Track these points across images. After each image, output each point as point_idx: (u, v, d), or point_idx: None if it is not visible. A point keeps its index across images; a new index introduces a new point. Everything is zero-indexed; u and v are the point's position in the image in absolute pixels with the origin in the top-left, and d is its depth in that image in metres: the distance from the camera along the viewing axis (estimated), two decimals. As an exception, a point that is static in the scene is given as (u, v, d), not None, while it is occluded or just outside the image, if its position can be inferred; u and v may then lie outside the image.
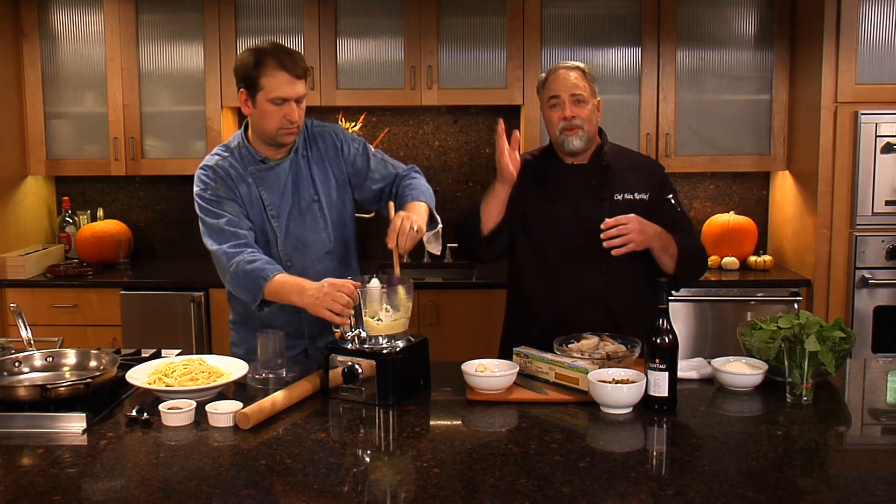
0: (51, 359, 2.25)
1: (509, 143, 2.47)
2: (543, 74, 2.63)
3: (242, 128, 2.52)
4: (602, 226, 2.39)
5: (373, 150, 2.60)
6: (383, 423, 2.01)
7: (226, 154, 2.48)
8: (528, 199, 2.61)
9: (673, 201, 2.63)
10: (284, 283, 2.27)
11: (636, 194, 2.59)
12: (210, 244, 2.42)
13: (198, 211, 2.45)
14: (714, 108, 4.10)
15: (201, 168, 2.48)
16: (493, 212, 2.54)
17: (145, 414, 1.96)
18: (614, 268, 2.52)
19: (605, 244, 2.39)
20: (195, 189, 2.46)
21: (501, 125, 2.46)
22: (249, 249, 2.37)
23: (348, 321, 2.14)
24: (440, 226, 2.45)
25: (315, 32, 4.07)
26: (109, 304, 3.95)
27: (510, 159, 2.46)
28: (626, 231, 2.39)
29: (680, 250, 2.53)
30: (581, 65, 2.59)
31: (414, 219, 2.25)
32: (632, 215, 2.42)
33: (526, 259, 2.62)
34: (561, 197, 2.58)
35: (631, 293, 2.59)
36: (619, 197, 2.57)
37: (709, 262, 4.09)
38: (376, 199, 2.60)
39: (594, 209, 2.54)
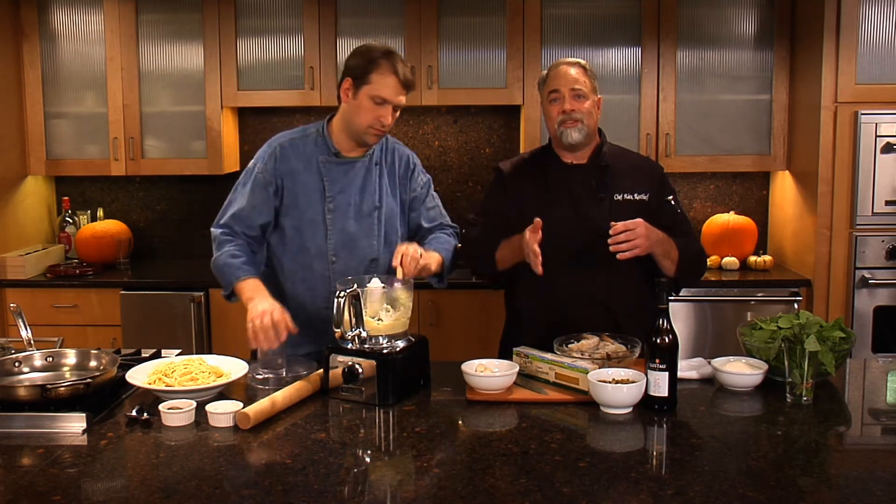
0: (51, 359, 2.25)
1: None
2: (545, 71, 2.64)
3: (326, 119, 2.58)
4: (611, 230, 2.38)
5: (433, 191, 2.70)
6: (383, 423, 2.01)
7: (300, 136, 2.56)
8: (527, 198, 2.61)
9: (673, 202, 2.63)
10: (245, 289, 2.39)
11: (636, 195, 2.59)
12: (218, 215, 2.54)
13: (240, 176, 2.56)
14: (714, 108, 4.10)
15: (269, 143, 2.56)
16: (506, 263, 2.56)
17: (145, 414, 1.96)
18: (614, 268, 2.52)
19: (612, 248, 2.39)
20: (252, 160, 2.56)
21: (538, 223, 2.39)
22: (238, 242, 2.47)
23: (263, 347, 2.24)
24: (445, 283, 2.60)
25: (315, 32, 4.07)
26: (109, 304, 3.95)
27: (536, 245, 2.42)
28: (634, 236, 2.39)
29: (680, 254, 2.52)
30: (582, 61, 2.59)
31: (421, 251, 2.34)
32: (639, 220, 2.41)
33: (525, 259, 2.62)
34: (560, 197, 2.58)
35: (631, 293, 2.59)
36: (619, 197, 2.57)
37: (708, 262, 4.12)
38: (411, 238, 2.65)
39: (594, 209, 2.54)
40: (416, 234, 2.65)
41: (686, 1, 4.04)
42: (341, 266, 2.50)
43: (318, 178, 2.50)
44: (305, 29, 4.08)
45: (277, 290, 2.53)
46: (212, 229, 2.53)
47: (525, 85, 4.05)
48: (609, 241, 2.38)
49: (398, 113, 2.48)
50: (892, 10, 3.72)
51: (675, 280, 2.54)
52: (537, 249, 2.34)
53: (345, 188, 2.52)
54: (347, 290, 2.11)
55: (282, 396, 2.03)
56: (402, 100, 2.45)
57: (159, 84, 4.18)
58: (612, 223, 2.38)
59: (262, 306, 2.26)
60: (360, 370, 2.10)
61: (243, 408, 1.93)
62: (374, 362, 2.09)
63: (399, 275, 2.25)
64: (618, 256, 2.40)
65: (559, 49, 4.05)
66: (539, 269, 2.35)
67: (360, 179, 2.53)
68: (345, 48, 4.09)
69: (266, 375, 2.25)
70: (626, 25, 4.06)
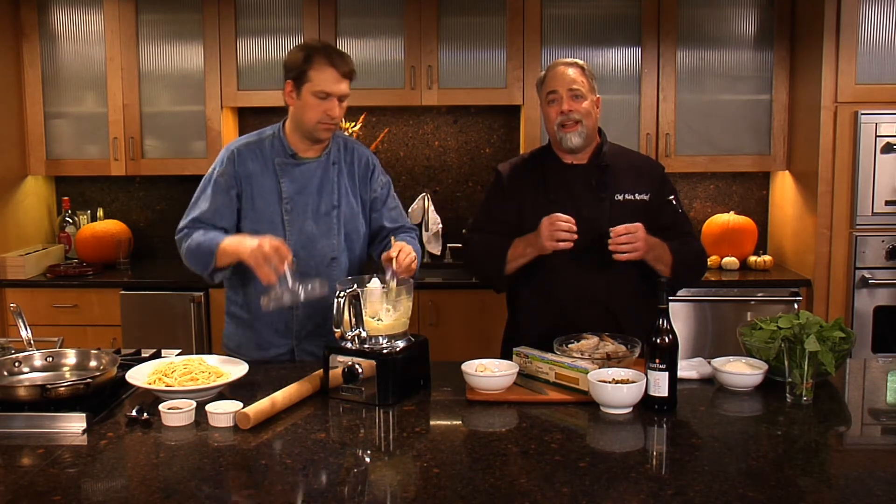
0: (51, 359, 2.25)
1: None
2: (543, 72, 2.63)
3: (281, 122, 2.59)
4: (612, 232, 2.40)
5: (394, 192, 2.72)
6: (383, 423, 2.01)
7: (255, 140, 2.58)
8: (527, 199, 2.61)
9: (674, 202, 2.63)
10: (232, 240, 2.40)
11: (636, 195, 2.58)
12: (183, 217, 2.57)
13: (202, 181, 2.58)
14: (714, 108, 4.10)
15: (226, 148, 2.59)
16: (518, 262, 2.57)
17: (145, 414, 1.96)
18: (614, 268, 2.51)
19: (611, 247, 2.40)
20: (212, 164, 2.59)
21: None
22: (201, 230, 2.50)
23: (275, 283, 2.26)
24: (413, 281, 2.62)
25: (315, 32, 4.06)
26: (109, 304, 3.95)
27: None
28: (635, 239, 2.40)
29: (674, 257, 2.52)
30: (580, 61, 2.59)
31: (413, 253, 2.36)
32: (639, 224, 2.42)
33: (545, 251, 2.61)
34: (560, 197, 2.57)
35: (630, 293, 2.59)
36: (620, 197, 2.57)
37: (708, 262, 4.12)
38: (373, 238, 2.68)
39: (594, 209, 2.54)
40: (379, 235, 2.67)
41: (686, 1, 4.04)
42: (301, 266, 2.49)
43: (275, 179, 2.53)
44: (305, 29, 4.08)
45: (243, 292, 2.60)
46: (176, 237, 2.56)
47: (525, 85, 4.05)
48: (609, 241, 2.39)
49: (345, 103, 2.50)
50: (892, 10, 3.72)
51: (671, 282, 2.54)
52: (562, 234, 2.40)
53: (302, 189, 2.54)
54: (347, 291, 2.11)
55: (282, 396, 2.03)
56: (346, 89, 2.47)
57: (159, 84, 4.18)
58: (612, 228, 2.40)
59: (251, 242, 2.30)
60: (360, 370, 2.10)
61: (243, 408, 1.93)
62: (374, 362, 2.09)
63: (394, 266, 2.26)
64: (615, 257, 2.41)
65: (559, 49, 4.05)
66: (569, 245, 2.41)
67: (318, 179, 2.55)
68: (345, 48, 4.04)
69: (282, 294, 2.28)
70: (626, 25, 4.06)
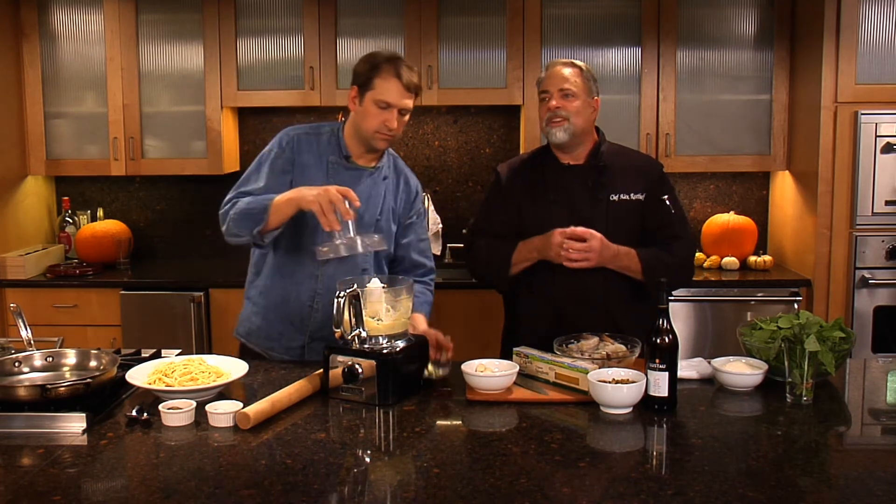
0: (51, 359, 2.25)
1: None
2: (542, 73, 2.64)
3: (341, 122, 2.58)
4: (569, 232, 2.44)
5: (425, 224, 2.72)
6: (383, 423, 2.01)
7: (315, 131, 2.56)
8: (525, 199, 2.61)
9: (668, 202, 2.61)
10: (288, 192, 2.34)
11: (632, 195, 2.58)
12: (232, 189, 2.51)
13: (255, 160, 2.54)
14: (714, 108, 4.10)
15: (285, 131, 2.56)
16: (522, 267, 2.58)
17: (145, 414, 1.96)
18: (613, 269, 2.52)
19: (562, 253, 2.45)
20: (267, 147, 2.55)
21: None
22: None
23: (339, 230, 2.21)
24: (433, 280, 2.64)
25: (315, 32, 4.07)
26: (109, 304, 3.95)
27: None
28: (588, 248, 2.44)
29: (644, 266, 2.51)
30: (578, 62, 2.59)
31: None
32: (598, 235, 2.45)
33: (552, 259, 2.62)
34: (557, 198, 2.58)
35: (629, 294, 2.59)
36: (616, 198, 2.57)
37: (708, 262, 4.12)
38: (392, 261, 2.66)
39: (591, 210, 2.54)
40: (402, 263, 2.64)
41: (686, 1, 4.04)
42: (330, 270, 2.49)
43: (325, 176, 2.50)
44: (305, 29, 4.08)
45: (265, 277, 2.57)
46: (220, 211, 2.47)
47: (525, 85, 4.05)
48: (564, 244, 2.43)
49: (407, 118, 2.48)
50: (892, 10, 3.72)
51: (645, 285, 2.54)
52: (573, 255, 2.45)
53: None
54: (347, 290, 2.11)
55: (282, 396, 2.03)
56: (408, 103, 2.45)
57: (159, 84, 4.18)
58: (571, 229, 2.45)
59: (311, 191, 2.26)
60: (360, 370, 2.10)
61: (243, 408, 1.93)
62: (373, 362, 2.09)
63: (443, 357, 2.29)
64: (564, 263, 2.43)
65: (559, 49, 4.05)
66: (581, 265, 2.45)
67: (367, 189, 2.52)
68: (345, 48, 4.09)
69: (338, 242, 2.23)
70: (626, 25, 4.06)
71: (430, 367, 2.19)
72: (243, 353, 2.57)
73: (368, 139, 2.47)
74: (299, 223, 2.47)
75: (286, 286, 2.54)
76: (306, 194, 2.27)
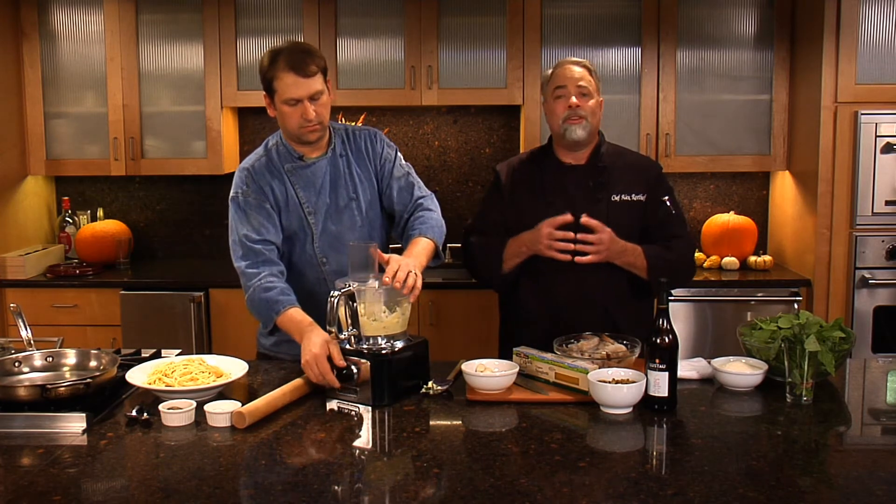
0: (51, 359, 2.25)
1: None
2: (549, 70, 2.64)
3: (279, 130, 2.55)
4: (582, 221, 2.43)
5: (403, 161, 2.62)
6: (382, 424, 2.01)
7: (262, 154, 2.52)
8: (525, 200, 2.61)
9: (668, 203, 2.61)
10: (291, 322, 2.29)
11: (633, 195, 2.59)
12: (232, 255, 2.46)
13: (229, 212, 2.49)
14: (714, 108, 4.10)
15: (239, 170, 2.52)
16: (514, 262, 2.57)
17: (145, 414, 1.96)
18: (612, 269, 2.52)
19: (576, 247, 2.43)
20: (231, 192, 2.50)
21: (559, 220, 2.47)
22: (266, 272, 2.37)
23: (337, 385, 2.12)
24: (443, 259, 2.53)
25: (315, 32, 4.06)
26: (109, 304, 3.95)
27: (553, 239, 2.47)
28: (599, 241, 2.43)
29: (649, 263, 2.51)
30: (587, 62, 2.60)
31: (412, 266, 2.21)
32: (608, 230, 2.45)
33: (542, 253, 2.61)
34: (557, 198, 2.57)
35: (629, 294, 2.59)
36: (616, 198, 2.57)
37: (708, 262, 4.12)
38: (393, 216, 2.60)
39: (591, 210, 2.54)
40: (394, 217, 2.58)
41: (686, 1, 4.03)
42: (334, 265, 2.49)
43: (290, 186, 2.48)
44: (305, 29, 4.08)
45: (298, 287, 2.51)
46: (234, 262, 2.44)
47: (525, 85, 4.05)
48: (579, 235, 2.43)
49: (323, 97, 2.40)
50: (892, 10, 3.72)
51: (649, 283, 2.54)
52: (559, 245, 2.43)
53: (317, 189, 2.50)
54: (342, 290, 2.11)
55: (278, 395, 2.03)
56: (314, 87, 2.36)
57: (159, 84, 4.18)
58: (584, 220, 2.43)
59: (306, 354, 2.15)
60: (356, 370, 2.09)
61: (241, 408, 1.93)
62: (368, 363, 2.09)
63: (398, 287, 2.18)
64: (576, 259, 2.43)
65: (559, 49, 4.05)
66: (567, 257, 2.44)
67: (329, 176, 2.51)
68: (345, 48, 4.09)
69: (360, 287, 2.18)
70: (626, 25, 4.06)
71: (430, 382, 2.18)
72: (260, 360, 2.55)
73: (298, 136, 2.44)
74: (302, 233, 2.48)
75: (300, 302, 2.43)
76: (302, 351, 2.16)
